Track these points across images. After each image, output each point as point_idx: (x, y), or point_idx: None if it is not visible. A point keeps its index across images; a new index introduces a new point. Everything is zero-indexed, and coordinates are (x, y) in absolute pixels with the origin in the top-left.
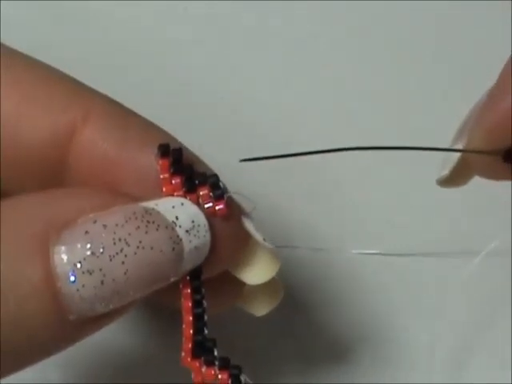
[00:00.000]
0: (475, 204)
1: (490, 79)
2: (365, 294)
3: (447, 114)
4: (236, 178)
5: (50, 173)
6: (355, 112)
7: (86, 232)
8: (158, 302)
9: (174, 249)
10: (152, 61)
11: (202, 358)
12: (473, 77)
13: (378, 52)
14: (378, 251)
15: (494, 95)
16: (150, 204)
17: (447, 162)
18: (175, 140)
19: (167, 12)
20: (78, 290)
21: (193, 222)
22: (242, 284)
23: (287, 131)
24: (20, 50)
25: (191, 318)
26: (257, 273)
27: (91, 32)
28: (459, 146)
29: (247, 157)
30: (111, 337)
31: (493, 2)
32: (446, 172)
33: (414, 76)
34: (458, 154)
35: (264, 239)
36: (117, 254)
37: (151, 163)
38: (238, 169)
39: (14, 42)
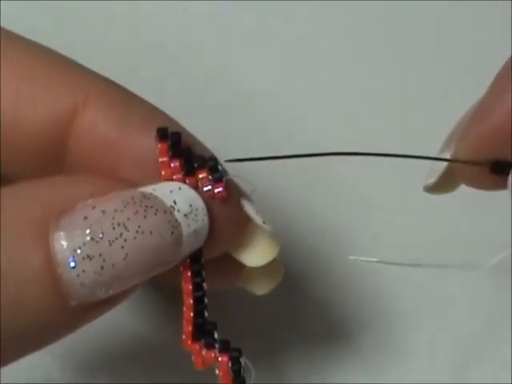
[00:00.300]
0: (476, 206)
1: (489, 79)
2: (364, 295)
3: (447, 114)
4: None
5: (50, 155)
6: (355, 112)
7: (85, 218)
8: (159, 282)
9: (172, 233)
10: (152, 61)
11: (203, 341)
12: (473, 77)
13: (377, 52)
14: (375, 259)
15: (483, 107)
16: (148, 189)
17: (434, 171)
18: (176, 123)
19: (167, 12)
20: (78, 275)
21: (191, 205)
22: (242, 264)
23: (287, 130)
24: None
25: (191, 301)
26: (256, 255)
27: (91, 32)
28: (446, 156)
29: (246, 156)
30: (111, 323)
31: (493, 2)
32: (432, 180)
33: (414, 76)
34: (444, 164)
35: (264, 222)
36: (116, 238)
37: (151, 146)
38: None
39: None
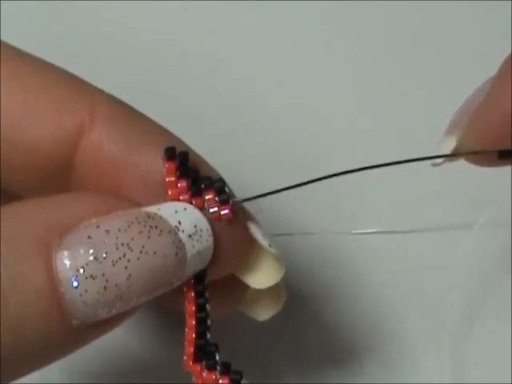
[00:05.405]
0: (471, 173)
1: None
2: (365, 282)
3: (447, 114)
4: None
5: (55, 173)
6: (355, 112)
7: (89, 237)
8: (161, 304)
9: (176, 254)
10: (152, 61)
11: (204, 363)
12: (473, 77)
13: (377, 52)
14: (377, 230)
15: (491, 98)
16: (153, 209)
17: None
18: (182, 142)
19: (167, 12)
20: (80, 295)
21: (195, 226)
22: (245, 287)
23: (286, 131)
24: None
25: (194, 322)
26: (261, 277)
27: (91, 32)
28: (452, 140)
29: (247, 156)
30: (114, 340)
31: (493, 2)
32: (439, 161)
33: (414, 76)
34: (449, 146)
35: (270, 245)
36: (120, 259)
37: (158, 166)
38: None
39: (14, 42)
